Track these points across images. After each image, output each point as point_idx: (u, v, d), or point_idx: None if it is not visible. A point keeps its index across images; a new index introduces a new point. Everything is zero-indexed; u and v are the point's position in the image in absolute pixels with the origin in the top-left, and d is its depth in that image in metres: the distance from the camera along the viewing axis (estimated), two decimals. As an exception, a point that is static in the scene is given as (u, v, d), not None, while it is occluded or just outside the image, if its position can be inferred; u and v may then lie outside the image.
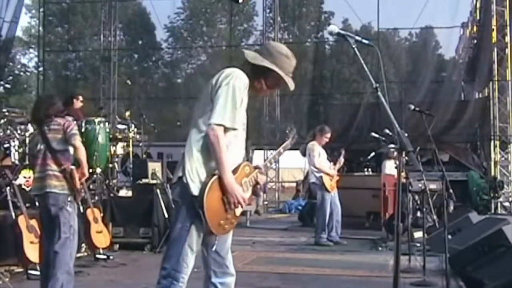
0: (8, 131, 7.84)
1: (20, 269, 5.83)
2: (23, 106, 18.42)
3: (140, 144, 10.36)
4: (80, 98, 8.86)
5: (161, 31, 22.68)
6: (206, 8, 26.98)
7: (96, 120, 8.24)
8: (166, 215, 7.59)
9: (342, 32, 2.80)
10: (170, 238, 3.11)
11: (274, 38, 16.27)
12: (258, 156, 14.44)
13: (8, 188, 6.04)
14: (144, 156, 10.73)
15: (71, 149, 4.75)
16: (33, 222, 5.58)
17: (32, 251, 5.48)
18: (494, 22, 13.57)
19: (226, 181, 2.96)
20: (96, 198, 7.76)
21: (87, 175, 4.88)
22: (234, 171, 3.07)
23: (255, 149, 14.40)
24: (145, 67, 24.40)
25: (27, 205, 5.90)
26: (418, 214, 8.77)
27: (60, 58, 20.97)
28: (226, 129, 2.99)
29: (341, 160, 9.04)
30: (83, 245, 6.85)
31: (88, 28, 22.34)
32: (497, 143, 13.60)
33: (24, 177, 6.79)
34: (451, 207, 9.70)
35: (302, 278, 6.16)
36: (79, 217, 5.24)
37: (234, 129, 3.05)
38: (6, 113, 8.24)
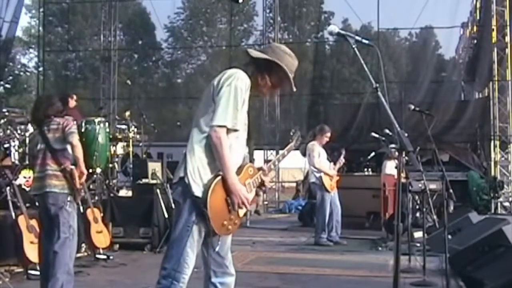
0: (8, 131, 7.84)
1: (20, 269, 5.83)
2: (23, 106, 18.40)
3: (140, 144, 10.37)
4: (75, 97, 8.88)
5: (161, 31, 22.77)
6: (206, 8, 26.95)
7: (96, 120, 8.23)
8: (166, 215, 7.59)
9: (342, 32, 2.80)
10: (170, 238, 3.11)
11: (274, 38, 16.25)
12: (258, 156, 14.42)
13: (8, 188, 6.05)
14: (144, 156, 10.73)
15: (69, 148, 4.75)
16: (33, 222, 5.58)
17: (32, 251, 5.48)
18: (494, 22, 13.56)
19: (230, 181, 2.97)
20: (96, 198, 7.77)
21: (85, 172, 4.87)
22: (238, 172, 3.07)
23: (255, 149, 14.37)
24: (145, 67, 24.38)
25: (27, 205, 5.90)
26: (418, 214, 8.78)
27: (60, 58, 20.93)
28: (228, 130, 2.99)
29: (342, 160, 9.04)
30: (83, 245, 6.86)
31: (88, 28, 22.33)
32: (497, 143, 13.58)
33: (24, 177, 6.79)
34: (451, 207, 9.70)
35: (302, 278, 6.15)
36: (79, 217, 5.25)
37: (236, 130, 3.05)
38: (6, 113, 8.23)
